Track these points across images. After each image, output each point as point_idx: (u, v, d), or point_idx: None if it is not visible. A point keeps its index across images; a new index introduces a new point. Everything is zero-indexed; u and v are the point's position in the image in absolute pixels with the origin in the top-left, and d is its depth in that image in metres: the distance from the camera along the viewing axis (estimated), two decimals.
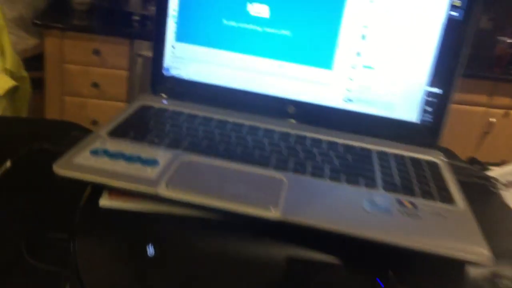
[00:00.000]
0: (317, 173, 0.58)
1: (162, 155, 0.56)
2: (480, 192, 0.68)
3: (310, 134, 0.68)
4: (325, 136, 0.68)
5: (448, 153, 0.72)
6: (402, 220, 0.51)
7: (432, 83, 0.69)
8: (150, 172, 0.52)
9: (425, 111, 0.71)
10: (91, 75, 2.14)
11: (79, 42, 2.09)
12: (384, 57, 0.69)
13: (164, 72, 0.73)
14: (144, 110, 0.68)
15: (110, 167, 0.52)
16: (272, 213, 0.49)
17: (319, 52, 0.70)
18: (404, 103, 0.71)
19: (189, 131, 0.63)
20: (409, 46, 0.68)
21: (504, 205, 0.66)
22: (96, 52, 2.09)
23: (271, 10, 0.69)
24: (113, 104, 2.18)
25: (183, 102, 0.72)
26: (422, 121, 0.71)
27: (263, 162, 0.58)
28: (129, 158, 0.54)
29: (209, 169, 0.55)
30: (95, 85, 2.14)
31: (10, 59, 1.79)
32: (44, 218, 0.55)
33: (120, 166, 0.52)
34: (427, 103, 0.70)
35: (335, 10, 0.68)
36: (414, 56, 0.69)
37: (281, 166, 0.58)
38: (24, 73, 1.87)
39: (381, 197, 0.54)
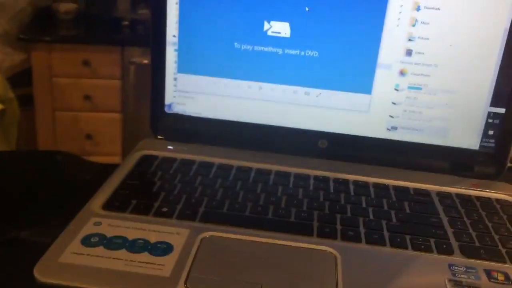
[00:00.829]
0: (375, 238, 0.45)
1: (176, 234, 0.43)
2: None
3: (351, 175, 0.56)
4: (369, 177, 0.56)
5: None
6: None
7: (495, 102, 0.57)
8: (163, 265, 0.40)
9: (486, 136, 0.58)
10: (83, 87, 2.01)
11: (67, 54, 1.95)
12: (434, 74, 0.56)
13: (166, 110, 0.61)
14: (146, 163, 0.55)
15: (109, 264, 0.39)
16: None
17: (354, 73, 0.57)
18: (461, 127, 0.58)
19: (205, 189, 0.51)
20: (465, 59, 0.55)
21: None
22: (86, 63, 1.95)
23: (293, 28, 0.56)
24: (108, 116, 2.05)
25: (193, 145, 0.59)
26: (483, 147, 0.58)
27: (304, 229, 0.46)
28: (133, 246, 0.41)
29: (238, 249, 0.43)
30: (87, 97, 2.01)
31: None
32: None
33: (122, 260, 0.40)
34: (489, 125, 0.57)
35: (373, 22, 0.55)
36: (472, 71, 0.56)
37: (327, 232, 0.46)
38: (11, 94, 1.73)
39: (465, 271, 0.42)
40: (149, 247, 0.41)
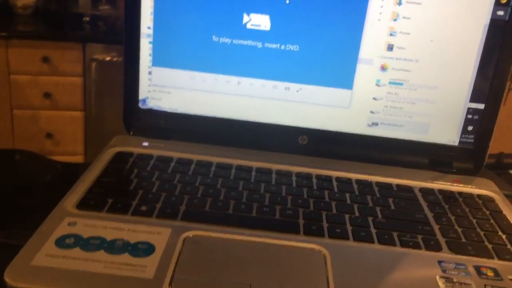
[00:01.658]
0: (363, 236, 0.44)
1: (157, 234, 0.41)
2: None
3: (333, 172, 0.55)
4: (352, 173, 0.55)
5: (490, 176, 0.60)
6: None
7: (474, 97, 0.57)
8: (145, 266, 0.37)
9: (465, 131, 0.58)
10: (42, 84, 1.94)
11: (26, 50, 1.88)
12: (415, 70, 0.56)
13: (141, 105, 0.58)
14: (121, 160, 0.53)
15: (87, 266, 0.37)
16: None
17: (335, 68, 0.56)
18: (441, 123, 0.58)
19: (185, 187, 0.48)
20: (445, 55, 0.55)
21: None
22: (46, 59, 1.89)
23: (273, 21, 0.54)
24: (69, 114, 1.99)
25: (169, 142, 0.57)
26: (463, 143, 0.58)
27: (290, 227, 0.44)
28: (112, 246, 0.39)
29: (223, 248, 0.41)
30: (47, 95, 1.94)
31: None
32: None
33: (101, 262, 0.37)
34: (468, 121, 0.57)
35: (355, 16, 0.54)
36: (452, 67, 0.56)
37: (314, 230, 0.44)
38: None
39: (455, 267, 0.41)
40: (129, 247, 0.39)
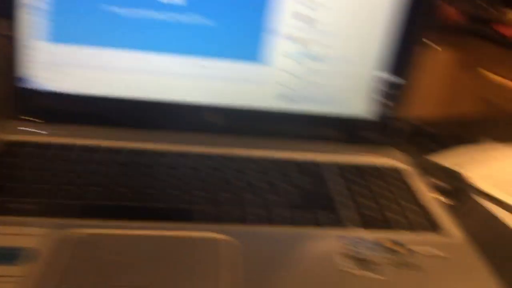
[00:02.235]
0: (264, 217, 0.41)
1: (27, 235, 0.36)
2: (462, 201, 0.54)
3: (237, 151, 0.51)
4: (256, 151, 0.51)
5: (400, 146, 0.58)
6: (402, 279, 0.36)
7: (385, 68, 0.54)
8: (11, 276, 0.32)
9: (380, 103, 0.56)
10: None
11: None
12: (330, 42, 0.52)
13: (19, 85, 0.51)
14: (12, 151, 0.46)
15: None
16: None
17: (246, 42, 0.51)
18: (351, 95, 0.55)
19: (61, 177, 0.43)
20: (359, 27, 0.52)
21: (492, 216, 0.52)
22: None
23: None
24: None
25: (51, 126, 0.50)
26: (374, 114, 0.56)
27: (183, 215, 0.40)
28: None
29: (110, 247, 0.36)
30: None
31: None
32: None
33: None
34: (380, 92, 0.55)
35: None
36: (366, 38, 0.53)
37: (209, 216, 0.40)
38: None
39: (357, 243, 0.39)
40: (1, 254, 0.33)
